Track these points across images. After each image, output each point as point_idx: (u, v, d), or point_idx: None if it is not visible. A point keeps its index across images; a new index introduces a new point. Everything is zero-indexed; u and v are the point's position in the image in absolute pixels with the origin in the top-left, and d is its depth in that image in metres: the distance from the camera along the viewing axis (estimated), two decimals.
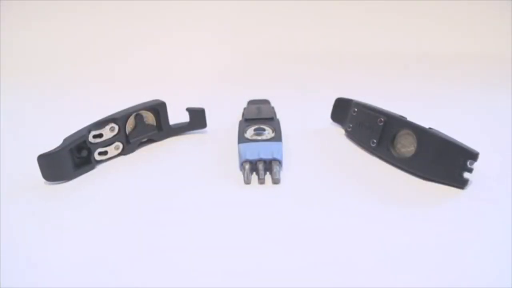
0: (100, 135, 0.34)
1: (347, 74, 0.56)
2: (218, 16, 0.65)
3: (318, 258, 0.24)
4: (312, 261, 0.24)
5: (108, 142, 0.35)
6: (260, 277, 0.23)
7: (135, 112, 0.36)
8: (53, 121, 0.44)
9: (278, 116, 0.39)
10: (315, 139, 0.38)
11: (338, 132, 0.39)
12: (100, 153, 0.34)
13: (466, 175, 0.29)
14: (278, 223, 0.27)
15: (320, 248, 0.25)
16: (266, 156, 0.32)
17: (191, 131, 0.40)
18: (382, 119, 0.33)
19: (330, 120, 0.41)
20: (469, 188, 0.29)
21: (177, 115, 0.39)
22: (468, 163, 0.28)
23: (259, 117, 0.37)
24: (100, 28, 0.64)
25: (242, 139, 0.34)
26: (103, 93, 0.52)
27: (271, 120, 0.37)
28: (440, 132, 0.30)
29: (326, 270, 0.23)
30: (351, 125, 0.37)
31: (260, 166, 0.31)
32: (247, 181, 0.31)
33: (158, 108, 0.37)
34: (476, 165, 0.29)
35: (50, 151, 0.31)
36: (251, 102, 0.42)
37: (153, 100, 0.37)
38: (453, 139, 0.29)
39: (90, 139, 0.33)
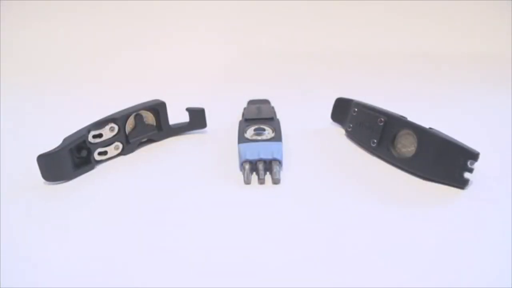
0: (100, 135, 0.34)
1: (347, 74, 0.56)
2: (218, 16, 0.65)
3: (318, 258, 0.24)
4: (312, 261, 0.24)
5: (108, 142, 0.35)
6: (260, 277, 0.23)
7: (135, 112, 0.36)
8: (53, 121, 0.44)
9: (278, 116, 0.39)
10: (315, 139, 0.38)
11: (338, 132, 0.39)
12: (99, 153, 0.34)
13: (466, 175, 0.29)
14: (278, 223, 0.27)
15: (320, 248, 0.25)
16: (266, 156, 0.32)
17: (191, 131, 0.40)
18: (382, 119, 0.33)
19: (330, 120, 0.41)
20: (469, 188, 0.29)
21: (177, 115, 0.39)
22: (468, 163, 0.28)
23: (259, 117, 0.37)
24: (100, 28, 0.64)
25: (242, 139, 0.34)
26: (103, 93, 0.52)
27: (271, 120, 0.37)
28: (441, 132, 0.30)
29: (326, 270, 0.23)
30: (351, 125, 0.37)
31: (260, 166, 0.31)
32: (247, 181, 0.31)
33: (158, 108, 0.37)
34: (476, 165, 0.29)
35: (49, 151, 0.31)
36: (251, 102, 0.42)
37: (153, 100, 0.37)
38: (453, 139, 0.29)
39: (90, 139, 0.33)
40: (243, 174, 0.31)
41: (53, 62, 0.60)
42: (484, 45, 0.61)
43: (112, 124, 0.34)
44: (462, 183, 0.29)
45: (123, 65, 0.59)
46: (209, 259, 0.24)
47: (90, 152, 0.33)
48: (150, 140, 0.38)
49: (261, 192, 0.30)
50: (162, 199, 0.30)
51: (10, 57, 0.61)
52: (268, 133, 0.35)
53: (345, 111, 0.38)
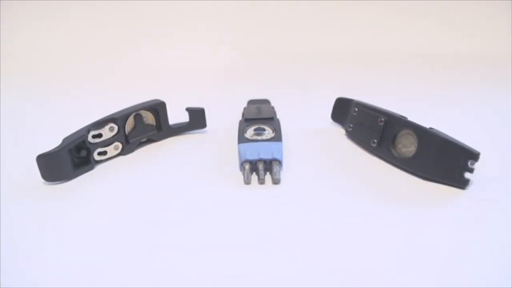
0: (100, 135, 0.34)
1: (347, 74, 0.56)
2: (218, 16, 0.65)
3: (318, 258, 0.24)
4: (313, 261, 0.24)
5: (108, 142, 0.35)
6: (260, 277, 0.23)
7: (135, 112, 0.36)
8: (52, 121, 0.44)
9: (278, 116, 0.39)
10: (315, 139, 0.38)
11: (338, 132, 0.39)
12: (99, 153, 0.34)
13: (467, 175, 0.29)
14: (278, 223, 0.27)
15: (321, 248, 0.25)
16: (266, 156, 0.32)
17: (191, 131, 0.40)
18: (383, 119, 0.33)
19: (331, 120, 0.41)
20: (470, 188, 0.29)
21: (176, 115, 0.39)
22: (469, 163, 0.28)
23: (259, 117, 0.37)
24: (99, 28, 0.64)
25: (242, 139, 0.34)
26: (103, 93, 0.52)
27: (271, 120, 0.37)
28: (441, 132, 0.30)
29: (327, 270, 0.23)
30: (351, 125, 0.37)
31: (260, 166, 0.31)
32: (247, 181, 0.31)
33: (158, 108, 0.37)
34: (477, 165, 0.29)
35: (49, 151, 0.31)
36: (251, 102, 0.42)
37: (152, 100, 0.37)
38: (454, 139, 0.29)
39: (90, 139, 0.33)
40: (243, 174, 0.31)
41: (53, 62, 0.60)
42: (484, 45, 0.61)
43: (112, 124, 0.34)
44: (462, 183, 0.29)
45: (123, 65, 0.59)
46: (209, 259, 0.24)
47: (89, 152, 0.33)
48: (150, 140, 0.38)
49: (261, 192, 0.30)
50: (162, 199, 0.30)
51: (10, 57, 0.61)
52: (268, 133, 0.35)
53: (345, 111, 0.38)
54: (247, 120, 0.37)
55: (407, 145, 0.32)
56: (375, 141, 0.33)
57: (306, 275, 0.23)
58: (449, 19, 0.64)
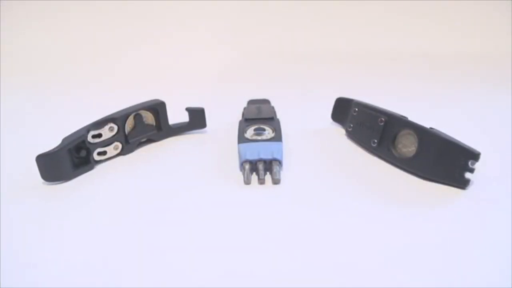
0: (99, 135, 0.34)
1: (347, 73, 0.56)
2: (218, 16, 0.65)
3: (318, 258, 0.24)
4: (313, 261, 0.24)
5: (107, 142, 0.34)
6: (260, 278, 0.23)
7: (135, 112, 0.36)
8: (52, 121, 0.44)
9: (278, 116, 0.39)
10: (315, 139, 0.38)
11: (338, 132, 0.39)
12: (99, 153, 0.34)
13: (467, 175, 0.29)
14: (278, 224, 0.27)
15: (321, 248, 0.25)
16: (266, 156, 0.32)
17: (191, 131, 0.40)
18: (383, 119, 0.33)
19: (331, 120, 0.41)
20: (470, 188, 0.29)
21: (176, 115, 0.39)
22: (469, 163, 0.28)
23: (259, 117, 0.37)
24: (99, 28, 0.64)
25: (242, 139, 0.34)
26: (102, 93, 0.52)
27: (271, 120, 0.37)
28: (441, 132, 0.30)
29: (327, 271, 0.23)
30: (351, 125, 0.37)
31: (260, 166, 0.31)
32: (247, 181, 0.31)
33: (158, 108, 0.37)
34: (477, 165, 0.28)
35: (48, 151, 0.31)
36: (251, 102, 0.42)
37: (152, 100, 0.37)
38: (454, 139, 0.29)
39: (89, 139, 0.33)
40: (243, 174, 0.31)
41: (53, 62, 0.60)
42: (484, 45, 0.61)
43: (112, 124, 0.34)
44: (463, 183, 0.29)
45: (123, 65, 0.59)
46: (209, 260, 0.24)
47: (89, 152, 0.33)
48: (150, 140, 0.38)
49: (261, 192, 0.30)
50: (162, 199, 0.30)
51: (9, 57, 0.61)
52: (268, 133, 0.35)
53: (345, 111, 0.38)
54: (247, 120, 0.37)
55: (407, 145, 0.32)
56: (375, 141, 0.33)
57: (306, 275, 0.23)
58: (449, 19, 0.64)
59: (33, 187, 0.31)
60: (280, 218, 0.27)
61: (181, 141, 0.39)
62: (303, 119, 0.43)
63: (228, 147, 0.36)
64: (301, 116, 0.43)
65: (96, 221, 0.28)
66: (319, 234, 0.26)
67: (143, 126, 0.37)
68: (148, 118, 0.37)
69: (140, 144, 0.37)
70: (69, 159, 0.32)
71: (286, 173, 0.32)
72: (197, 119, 0.39)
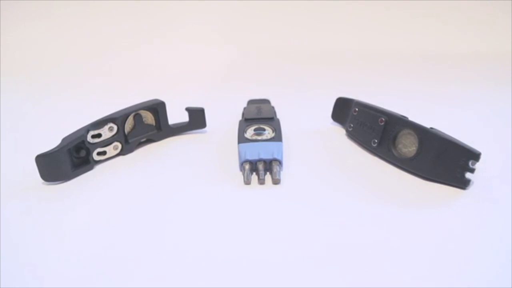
0: (99, 135, 0.34)
1: (348, 73, 0.56)
2: (218, 15, 0.65)
3: (319, 258, 0.24)
4: (313, 261, 0.24)
5: (107, 142, 0.34)
6: (260, 278, 0.23)
7: (134, 112, 0.36)
8: (52, 121, 0.44)
9: (278, 115, 0.39)
10: (315, 139, 0.38)
11: (338, 132, 0.39)
12: (98, 153, 0.34)
13: (468, 175, 0.29)
14: (278, 224, 0.27)
15: (321, 248, 0.25)
16: (266, 156, 0.32)
17: (191, 131, 0.40)
18: (383, 119, 0.33)
19: (331, 120, 0.41)
20: (470, 189, 0.29)
21: (176, 115, 0.39)
22: (470, 163, 0.28)
23: (259, 117, 0.37)
24: (99, 28, 0.64)
25: (242, 139, 0.34)
26: (102, 92, 0.52)
27: (271, 120, 0.37)
28: (442, 132, 0.30)
29: (327, 271, 0.23)
30: (352, 125, 0.36)
31: (260, 166, 0.31)
32: (247, 182, 0.31)
33: (157, 108, 0.37)
34: (478, 165, 0.28)
35: (48, 151, 0.31)
36: (251, 102, 0.42)
37: (152, 100, 0.37)
38: (454, 139, 0.29)
39: (89, 139, 0.33)
40: (243, 174, 0.31)
41: (52, 61, 0.60)
42: (485, 45, 0.61)
43: (111, 124, 0.34)
44: (463, 183, 0.29)
45: (122, 65, 0.59)
46: (209, 260, 0.24)
47: (89, 152, 0.33)
48: (150, 140, 0.38)
49: (261, 192, 0.30)
50: (162, 199, 0.30)
51: (8, 56, 0.60)
52: (268, 133, 0.35)
53: (345, 111, 0.38)
54: (247, 120, 0.37)
55: (408, 145, 0.32)
56: (376, 141, 0.33)
57: (306, 276, 0.23)
58: (449, 18, 0.64)
59: (33, 187, 0.31)
60: (280, 218, 0.27)
61: (181, 141, 0.39)
62: (303, 119, 0.42)
63: (228, 147, 0.36)
64: (301, 116, 0.43)
65: (96, 221, 0.27)
66: (319, 234, 0.26)
67: (143, 126, 0.37)
68: (148, 118, 0.37)
69: (140, 144, 0.37)
70: (68, 159, 0.32)
71: (286, 173, 0.32)
72: (197, 119, 0.39)
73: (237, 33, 0.65)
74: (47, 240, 0.26)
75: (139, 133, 0.37)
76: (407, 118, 0.32)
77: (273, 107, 0.41)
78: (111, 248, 0.25)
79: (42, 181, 0.31)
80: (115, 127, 0.35)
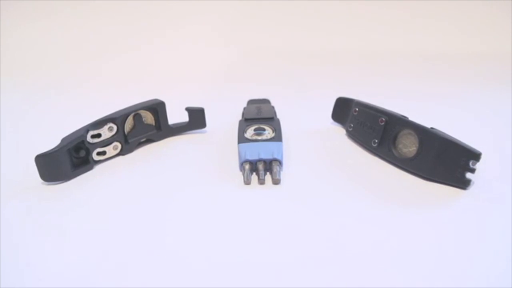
0: (99, 135, 0.34)
1: (348, 73, 0.56)
2: (218, 15, 0.65)
3: (319, 258, 0.24)
4: (313, 261, 0.24)
5: (107, 142, 0.34)
6: (260, 278, 0.23)
7: (134, 111, 0.36)
8: (51, 121, 0.44)
9: (278, 115, 0.39)
10: (315, 139, 0.38)
11: (339, 132, 0.39)
12: (98, 153, 0.34)
13: (468, 175, 0.29)
14: (278, 224, 0.27)
15: (321, 248, 0.25)
16: (266, 156, 0.31)
17: (191, 131, 0.39)
18: (384, 119, 0.33)
19: (331, 120, 0.40)
20: (471, 189, 0.29)
21: (176, 115, 0.39)
22: (470, 163, 0.28)
23: (259, 117, 0.37)
24: (99, 28, 0.64)
25: (242, 139, 0.34)
26: (102, 92, 0.52)
27: (271, 120, 0.37)
28: (442, 132, 0.30)
29: (327, 271, 0.23)
30: (352, 125, 0.36)
31: (260, 167, 0.31)
32: (247, 182, 0.31)
33: (157, 108, 0.37)
34: (478, 165, 0.28)
35: (47, 151, 0.30)
36: (251, 102, 0.42)
37: (152, 100, 0.37)
38: (455, 139, 0.29)
39: (88, 139, 0.33)
40: (243, 174, 0.31)
41: (52, 61, 0.60)
42: (486, 45, 0.61)
43: (111, 124, 0.34)
44: (463, 184, 0.29)
45: (122, 65, 0.59)
46: (209, 260, 0.24)
47: (88, 152, 0.33)
48: (149, 140, 0.38)
49: (261, 192, 0.30)
50: (162, 199, 0.30)
51: (7, 56, 0.60)
52: (268, 133, 0.35)
53: (346, 111, 0.38)
54: (247, 120, 0.37)
55: (408, 145, 0.32)
56: (376, 141, 0.33)
57: (307, 276, 0.23)
58: (450, 18, 0.64)
59: (32, 187, 0.31)
60: (280, 219, 0.27)
61: (181, 141, 0.38)
62: (303, 119, 0.42)
63: (228, 147, 0.36)
64: (301, 116, 0.43)
65: (96, 221, 0.27)
66: (319, 235, 0.26)
67: (143, 126, 0.37)
68: (148, 118, 0.37)
69: (140, 144, 0.37)
70: (68, 159, 0.32)
71: (286, 173, 0.32)
72: (196, 119, 0.39)
73: (237, 33, 0.64)
74: (47, 240, 0.26)
75: (139, 133, 0.37)
76: (408, 118, 0.32)
77: (273, 107, 0.41)
78: (111, 248, 0.25)
79: (42, 181, 0.31)
80: (115, 127, 0.34)
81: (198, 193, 0.30)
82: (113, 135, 0.35)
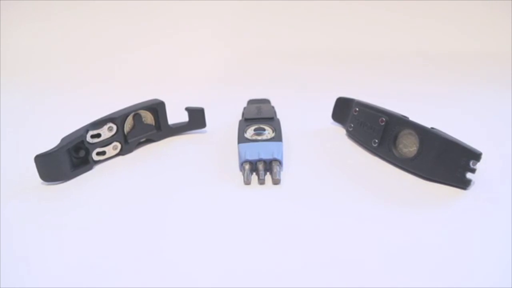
0: (98, 135, 0.34)
1: (348, 73, 0.56)
2: (217, 15, 0.65)
3: (319, 259, 0.24)
4: (313, 262, 0.23)
5: (106, 142, 0.34)
6: (260, 278, 0.22)
7: (134, 111, 0.36)
8: (51, 121, 0.44)
9: (278, 115, 0.39)
10: (315, 139, 0.38)
11: (339, 132, 0.39)
12: (98, 153, 0.34)
13: (468, 175, 0.28)
14: (278, 224, 0.27)
15: (321, 249, 0.24)
16: (267, 156, 0.31)
17: (190, 131, 0.39)
18: (384, 119, 0.33)
19: (331, 120, 0.40)
20: (471, 189, 0.29)
21: (176, 115, 0.39)
22: (470, 163, 0.28)
23: (259, 117, 0.37)
24: (98, 28, 0.64)
25: (242, 139, 0.34)
26: (102, 92, 0.52)
27: (271, 120, 0.37)
28: (443, 132, 0.30)
29: (328, 271, 0.23)
30: (352, 125, 0.36)
31: (260, 167, 0.31)
32: (247, 182, 0.31)
33: (157, 108, 0.37)
34: (478, 165, 0.28)
35: (47, 151, 0.30)
36: (251, 102, 0.42)
37: (152, 100, 0.37)
38: (455, 139, 0.29)
39: (88, 139, 0.33)
40: (243, 174, 0.31)
41: (52, 61, 0.60)
42: (486, 44, 0.61)
43: (111, 124, 0.34)
44: (464, 184, 0.29)
45: (122, 65, 0.59)
46: (209, 260, 0.24)
47: (88, 152, 0.33)
48: (149, 140, 0.38)
49: (261, 192, 0.30)
50: (161, 199, 0.30)
51: (7, 56, 0.60)
52: (268, 133, 0.35)
53: (346, 111, 0.38)
54: (247, 120, 0.37)
55: (408, 145, 0.31)
56: (376, 141, 0.33)
57: (306, 276, 0.23)
58: (450, 18, 0.64)
59: (32, 187, 0.31)
60: (280, 219, 0.27)
61: (181, 141, 0.38)
62: (303, 119, 0.42)
63: (228, 147, 0.36)
64: (301, 116, 0.43)
65: (95, 222, 0.27)
66: (319, 235, 0.26)
67: (143, 126, 0.37)
68: (148, 118, 0.37)
69: (140, 144, 0.37)
70: (68, 159, 0.32)
71: (286, 173, 0.32)
72: (196, 119, 0.39)
73: (237, 33, 0.64)
74: (46, 240, 0.26)
75: (138, 133, 0.37)
76: (408, 118, 0.32)
77: (273, 107, 0.41)
78: (110, 248, 0.25)
79: (41, 181, 0.31)
80: (115, 127, 0.34)
81: (198, 193, 0.30)
82: (112, 135, 0.35)
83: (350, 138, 0.37)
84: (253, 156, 0.31)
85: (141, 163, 0.35)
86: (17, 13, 0.64)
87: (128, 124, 0.36)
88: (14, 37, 0.63)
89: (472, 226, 0.26)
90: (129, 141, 0.36)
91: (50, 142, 0.32)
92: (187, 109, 0.38)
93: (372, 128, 0.34)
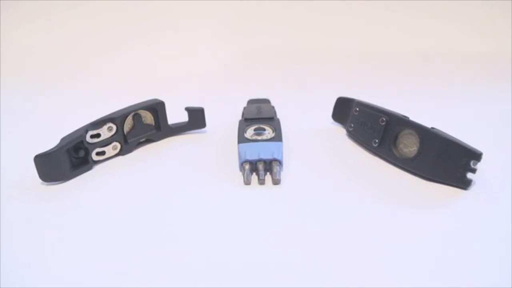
0: (98, 135, 0.34)
1: (348, 73, 0.56)
2: (217, 15, 0.65)
3: (319, 259, 0.24)
4: (313, 262, 0.23)
5: (106, 142, 0.34)
6: (260, 278, 0.22)
7: (134, 111, 0.36)
8: (50, 121, 0.44)
9: (279, 115, 0.39)
10: (316, 139, 0.38)
11: (339, 132, 0.39)
12: (97, 153, 0.34)
13: (469, 175, 0.28)
14: (278, 224, 0.27)
15: (321, 249, 0.24)
16: (267, 156, 0.31)
17: (190, 131, 0.39)
18: (384, 119, 0.33)
19: (331, 120, 0.40)
20: (472, 189, 0.29)
21: (176, 115, 0.38)
22: (471, 163, 0.28)
23: (259, 117, 0.37)
24: (98, 28, 0.64)
25: (242, 139, 0.34)
26: (101, 92, 0.52)
27: (271, 119, 0.37)
28: (443, 132, 0.30)
29: (328, 271, 0.23)
30: (352, 125, 0.36)
31: (260, 167, 0.31)
32: (247, 182, 0.31)
33: (157, 108, 0.37)
34: (479, 166, 0.28)
35: (47, 151, 0.30)
36: (251, 102, 0.42)
37: (151, 100, 0.37)
38: (456, 139, 0.29)
39: (88, 139, 0.33)
40: (243, 174, 0.31)
41: (51, 61, 0.60)
42: (487, 44, 0.61)
43: (110, 124, 0.34)
44: (464, 184, 0.29)
45: (122, 65, 0.59)
46: (209, 260, 0.24)
47: (87, 152, 0.33)
48: (149, 140, 0.38)
49: (261, 192, 0.30)
50: (161, 199, 0.30)
51: (8, 57, 0.60)
52: (268, 133, 0.35)
53: (346, 111, 0.38)
54: (247, 120, 0.37)
55: (409, 145, 0.31)
56: (377, 141, 0.33)
57: (306, 276, 0.23)
58: (450, 18, 0.64)
59: (31, 188, 0.31)
60: (280, 219, 0.27)
61: (181, 141, 0.38)
62: (303, 119, 0.42)
63: (228, 147, 0.36)
64: (301, 116, 0.43)
65: (95, 222, 0.27)
66: (319, 235, 0.26)
67: (142, 126, 0.37)
68: (147, 118, 0.37)
69: (139, 144, 0.37)
70: (67, 159, 0.32)
71: (286, 173, 0.32)
72: (196, 119, 0.39)
73: (237, 33, 0.64)
74: (46, 240, 0.26)
75: (138, 133, 0.36)
76: (408, 118, 0.32)
77: (273, 107, 0.41)
78: (110, 248, 0.25)
79: (41, 181, 0.31)
80: (114, 127, 0.34)
81: (198, 193, 0.30)
82: (112, 135, 0.34)
83: (350, 138, 0.37)
84: (253, 156, 0.31)
85: (141, 163, 0.35)
86: (17, 13, 0.64)
87: (127, 124, 0.36)
88: (14, 37, 0.63)
89: (472, 226, 0.26)
90: (128, 141, 0.36)
91: (49, 142, 0.32)
92: (187, 109, 0.38)
93: (372, 128, 0.34)
